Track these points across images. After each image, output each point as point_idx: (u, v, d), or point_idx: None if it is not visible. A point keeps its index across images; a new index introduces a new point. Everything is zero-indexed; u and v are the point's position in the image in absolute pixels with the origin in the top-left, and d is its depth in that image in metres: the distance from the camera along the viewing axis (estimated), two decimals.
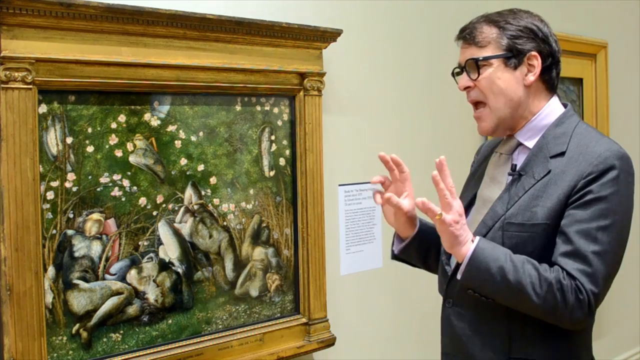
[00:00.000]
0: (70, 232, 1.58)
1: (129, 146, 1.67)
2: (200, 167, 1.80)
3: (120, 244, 1.66)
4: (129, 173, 1.67)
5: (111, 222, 1.65)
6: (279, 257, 1.98)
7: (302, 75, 1.97)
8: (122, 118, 1.66)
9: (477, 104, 1.53)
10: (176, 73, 1.72)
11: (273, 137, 1.96)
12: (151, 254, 1.72)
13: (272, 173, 1.96)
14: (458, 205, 1.39)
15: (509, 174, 1.50)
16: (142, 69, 1.66)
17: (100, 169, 1.63)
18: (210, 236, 1.84)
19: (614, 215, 1.37)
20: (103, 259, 1.64)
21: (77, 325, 1.60)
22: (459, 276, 1.44)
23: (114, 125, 1.65)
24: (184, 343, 1.77)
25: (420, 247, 1.63)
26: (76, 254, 1.59)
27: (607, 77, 3.36)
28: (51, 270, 1.55)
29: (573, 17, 3.15)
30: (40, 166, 1.53)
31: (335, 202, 2.20)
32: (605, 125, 3.34)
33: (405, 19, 2.41)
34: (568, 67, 3.03)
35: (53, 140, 1.55)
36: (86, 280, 1.61)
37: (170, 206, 1.75)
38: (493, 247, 1.40)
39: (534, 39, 1.49)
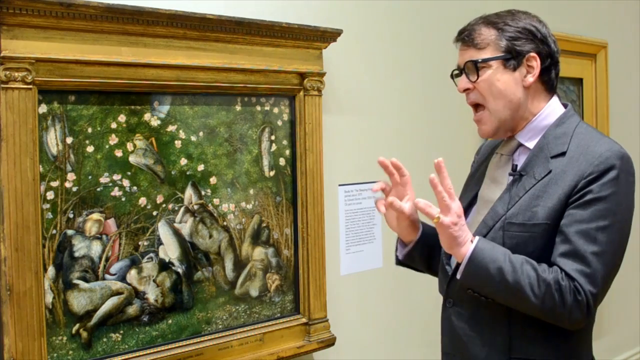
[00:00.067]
0: (70, 232, 1.58)
1: (129, 146, 1.67)
2: (200, 167, 1.80)
3: (120, 244, 1.66)
4: (129, 173, 1.67)
5: (111, 222, 1.65)
6: (279, 257, 1.98)
7: (302, 75, 1.97)
8: (122, 118, 1.66)
9: (476, 107, 1.53)
10: (176, 73, 1.72)
11: (273, 137, 1.96)
12: (151, 254, 1.72)
13: (272, 173, 1.96)
14: (457, 206, 1.39)
15: (510, 174, 1.50)
16: (142, 69, 1.66)
17: (100, 169, 1.63)
18: (210, 236, 1.84)
19: (613, 216, 1.37)
20: (103, 259, 1.64)
21: (77, 325, 1.60)
22: (458, 276, 1.44)
23: (114, 125, 1.65)
24: (184, 343, 1.77)
25: (424, 250, 1.62)
26: (76, 254, 1.59)
27: (607, 77, 3.36)
28: (51, 270, 1.55)
29: (573, 17, 3.15)
30: (40, 166, 1.53)
31: (335, 202, 2.20)
32: (605, 125, 3.34)
33: (405, 19, 2.41)
34: (568, 67, 3.03)
35: (53, 140, 1.55)
36: (86, 280, 1.61)
37: (170, 206, 1.75)
38: (492, 247, 1.40)
39: (533, 40, 1.49)
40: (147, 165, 1.71)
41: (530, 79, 1.49)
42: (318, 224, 2.02)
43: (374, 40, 2.31)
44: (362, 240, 2.28)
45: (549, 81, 1.52)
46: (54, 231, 1.56)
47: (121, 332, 1.67)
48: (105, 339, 1.64)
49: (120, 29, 1.60)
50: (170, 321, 1.75)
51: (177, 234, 1.77)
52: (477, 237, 1.42)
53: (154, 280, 1.72)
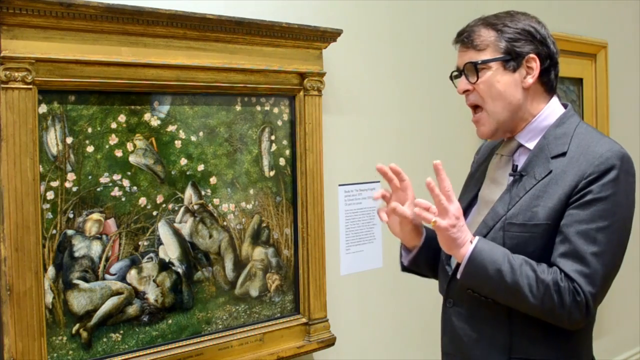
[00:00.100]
0: (70, 232, 1.58)
1: (129, 146, 1.67)
2: (200, 167, 1.80)
3: (120, 244, 1.66)
4: (129, 173, 1.67)
5: (111, 222, 1.65)
6: (279, 257, 1.98)
7: (302, 75, 1.97)
8: (122, 118, 1.66)
9: (475, 108, 1.53)
10: (176, 73, 1.72)
11: (273, 137, 1.96)
12: (151, 254, 1.72)
13: (272, 173, 1.96)
14: (455, 208, 1.39)
15: (510, 175, 1.50)
16: (142, 69, 1.66)
17: (100, 169, 1.63)
18: (210, 236, 1.84)
19: (613, 216, 1.37)
20: (103, 259, 1.64)
21: (77, 325, 1.60)
22: (458, 276, 1.44)
23: (114, 125, 1.65)
24: (184, 343, 1.77)
25: (429, 254, 1.61)
26: (76, 254, 1.59)
27: (607, 77, 3.36)
28: (51, 270, 1.55)
29: (573, 17, 3.15)
30: (40, 166, 1.53)
31: (335, 202, 2.20)
32: (605, 125, 3.34)
33: (405, 19, 2.41)
34: (568, 67, 3.03)
35: (53, 140, 1.55)
36: (86, 280, 1.61)
37: (170, 206, 1.75)
38: (491, 248, 1.40)
39: (532, 41, 1.49)
40: (147, 165, 1.71)
41: (530, 80, 1.49)
42: (318, 224, 2.02)
43: (374, 40, 2.31)
44: (362, 240, 2.28)
45: (549, 82, 1.52)
46: (54, 231, 1.56)
47: (121, 332, 1.67)
48: (105, 339, 1.64)
49: (120, 29, 1.60)
50: (170, 321, 1.75)
51: (177, 234, 1.77)
52: (476, 238, 1.42)
53: (154, 280, 1.72)
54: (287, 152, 1.99)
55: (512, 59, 1.47)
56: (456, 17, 2.54)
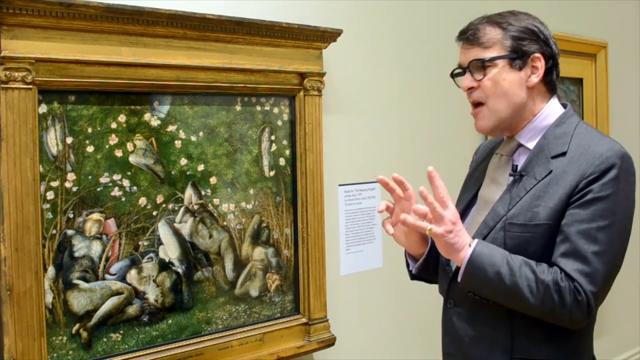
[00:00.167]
0: (70, 232, 1.58)
1: (129, 146, 1.67)
2: (200, 167, 1.80)
3: (120, 244, 1.66)
4: (129, 173, 1.67)
5: (111, 222, 1.65)
6: (279, 257, 1.98)
7: (302, 75, 1.97)
8: (122, 118, 1.66)
9: (476, 104, 1.53)
10: (176, 73, 1.72)
11: (273, 137, 1.96)
12: (151, 254, 1.72)
13: (272, 173, 1.96)
14: (450, 214, 1.39)
15: (510, 175, 1.50)
16: (142, 69, 1.66)
17: (100, 169, 1.63)
18: (210, 236, 1.84)
19: (614, 215, 1.37)
20: (103, 259, 1.64)
21: (77, 325, 1.60)
22: (458, 280, 1.44)
23: (114, 125, 1.65)
24: (184, 343, 1.77)
25: (437, 261, 1.61)
26: (76, 254, 1.59)
27: (607, 77, 3.36)
28: (51, 270, 1.55)
29: (573, 17, 3.16)
30: (40, 166, 1.53)
31: (335, 202, 2.20)
32: (605, 125, 3.34)
33: (405, 19, 2.41)
34: (568, 67, 3.03)
35: (53, 140, 1.55)
36: (86, 280, 1.61)
37: (170, 206, 1.75)
38: (490, 251, 1.40)
39: (537, 40, 1.49)
40: (147, 165, 1.71)
41: (535, 79, 1.49)
42: (318, 224, 2.02)
43: (374, 40, 2.31)
44: (362, 240, 2.28)
45: (551, 82, 1.53)
46: (54, 231, 1.56)
47: (121, 332, 1.67)
48: (105, 339, 1.64)
49: (120, 29, 1.60)
50: (170, 321, 1.75)
51: (177, 234, 1.77)
52: (475, 241, 1.42)
53: (154, 280, 1.72)
54: (287, 152, 1.99)
55: (518, 58, 1.47)
56: (456, 17, 2.54)
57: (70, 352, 1.59)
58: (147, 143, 1.71)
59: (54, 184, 1.56)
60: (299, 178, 1.99)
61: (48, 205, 1.55)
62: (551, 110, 1.52)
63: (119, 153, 1.66)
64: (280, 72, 1.92)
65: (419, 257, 1.62)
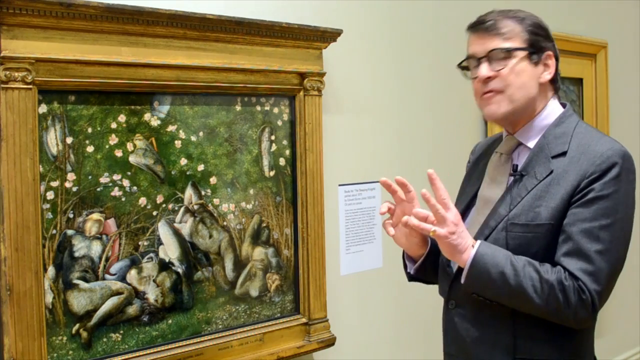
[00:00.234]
0: (70, 232, 1.58)
1: (129, 146, 1.67)
2: (200, 167, 1.80)
3: (120, 244, 1.66)
4: (129, 173, 1.67)
5: (111, 222, 1.65)
6: (279, 257, 1.98)
7: (302, 75, 1.97)
8: (122, 118, 1.66)
9: (489, 92, 1.49)
10: (176, 73, 1.72)
11: (273, 137, 1.96)
12: (151, 254, 1.72)
13: (272, 173, 1.96)
14: (452, 215, 1.39)
15: (511, 175, 1.50)
16: (142, 69, 1.66)
17: (100, 169, 1.63)
18: (210, 236, 1.84)
19: (616, 214, 1.37)
20: (103, 259, 1.64)
21: (77, 325, 1.60)
22: (462, 281, 1.44)
23: (114, 125, 1.65)
24: (184, 343, 1.77)
25: (435, 262, 1.61)
26: (76, 254, 1.59)
27: (607, 77, 3.36)
28: (51, 270, 1.55)
29: (573, 17, 3.16)
30: (40, 166, 1.53)
31: (335, 202, 2.20)
32: (605, 125, 3.34)
33: (405, 19, 2.41)
34: (568, 67, 3.03)
35: (53, 140, 1.55)
36: (86, 280, 1.61)
37: (170, 206, 1.75)
38: (493, 251, 1.39)
39: (548, 38, 1.51)
40: (147, 165, 1.71)
41: (547, 76, 1.50)
42: (318, 224, 2.02)
43: (373, 40, 2.31)
44: (362, 240, 2.28)
45: (556, 82, 1.54)
46: (54, 231, 1.56)
47: (121, 332, 1.67)
48: (105, 339, 1.64)
49: (120, 29, 1.60)
50: (170, 321, 1.75)
51: (177, 234, 1.77)
52: (478, 242, 1.41)
53: (154, 280, 1.72)
54: (287, 152, 1.99)
55: (535, 52, 1.48)
56: (456, 17, 2.54)
57: (70, 352, 1.59)
58: (147, 143, 1.71)
59: (54, 184, 1.56)
60: (299, 178, 1.99)
61: (48, 205, 1.55)
62: (551, 109, 1.53)
63: (119, 153, 1.66)
64: (280, 72, 1.92)
65: (418, 259, 1.62)
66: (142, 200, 1.70)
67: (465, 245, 1.40)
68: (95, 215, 1.62)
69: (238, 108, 1.88)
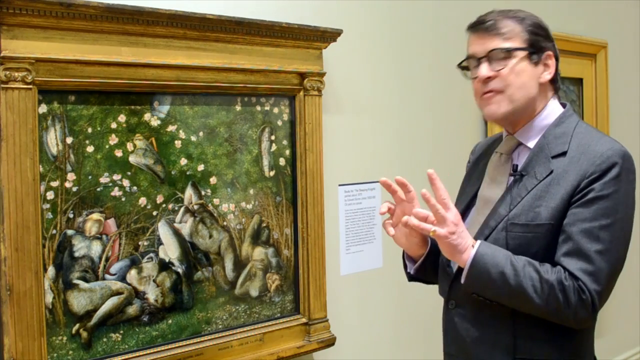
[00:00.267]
0: (70, 232, 1.58)
1: (129, 146, 1.67)
2: (200, 167, 1.80)
3: (120, 244, 1.66)
4: (129, 173, 1.67)
5: (111, 222, 1.65)
6: (279, 257, 1.98)
7: (302, 75, 1.97)
8: (122, 118, 1.66)
9: (489, 92, 1.49)
10: (176, 73, 1.72)
11: (273, 137, 1.96)
12: (151, 254, 1.72)
13: (272, 173, 1.96)
14: (452, 215, 1.39)
15: (511, 175, 1.50)
16: (142, 69, 1.66)
17: (100, 169, 1.63)
18: (210, 236, 1.84)
19: (616, 214, 1.37)
20: (103, 259, 1.64)
21: (77, 325, 1.60)
22: (462, 281, 1.44)
23: (114, 125, 1.65)
24: (184, 343, 1.77)
25: (435, 262, 1.61)
26: (76, 254, 1.59)
27: (607, 77, 3.36)
28: (51, 270, 1.55)
29: (573, 17, 3.16)
30: (40, 166, 1.53)
31: (335, 202, 2.20)
32: (605, 125, 3.34)
33: (405, 19, 2.41)
34: (568, 67, 3.03)
35: (53, 140, 1.55)
36: (86, 280, 1.61)
37: (170, 206, 1.75)
38: (493, 251, 1.39)
39: (548, 38, 1.51)
40: (147, 165, 1.71)
41: (548, 76, 1.50)
42: (318, 224, 2.02)
43: (373, 40, 2.31)
44: (362, 240, 2.28)
45: (556, 82, 1.54)
46: (54, 231, 1.56)
47: (121, 332, 1.67)
48: (105, 339, 1.64)
49: (120, 29, 1.60)
50: (170, 321, 1.75)
51: (177, 234, 1.77)
52: (478, 242, 1.41)
53: (154, 280, 1.72)
54: (287, 152, 1.99)
55: (535, 52, 1.48)
56: (456, 17, 2.54)
57: (70, 352, 1.59)
58: (147, 143, 1.71)
59: (54, 184, 1.56)
60: (299, 178, 1.99)
61: (48, 205, 1.55)
62: (551, 109, 1.53)
63: (119, 153, 1.66)
64: (280, 72, 1.92)
65: (418, 259, 1.62)
66: (142, 200, 1.70)
67: (465, 245, 1.40)
68: (95, 215, 1.62)
69: (238, 108, 1.88)
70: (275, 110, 1.97)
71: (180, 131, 1.77)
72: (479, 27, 1.51)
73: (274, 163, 1.96)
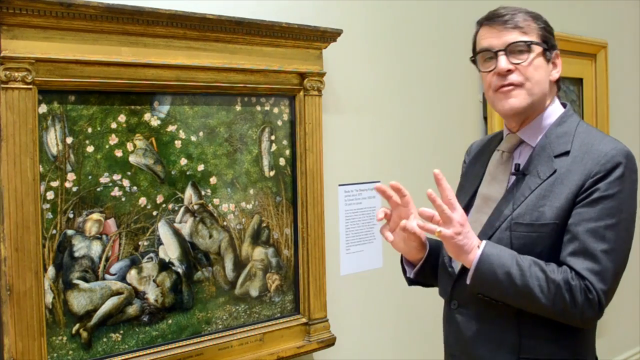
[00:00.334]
0: (70, 232, 1.58)
1: (129, 146, 1.67)
2: (200, 167, 1.80)
3: (120, 244, 1.66)
4: (129, 173, 1.67)
5: (111, 222, 1.65)
6: (279, 257, 1.98)
7: (302, 75, 1.97)
8: (122, 118, 1.66)
9: (509, 85, 1.48)
10: (176, 73, 1.72)
11: (273, 137, 1.96)
12: (151, 254, 1.72)
13: (272, 173, 1.96)
14: (458, 215, 1.38)
15: (513, 174, 1.50)
16: (142, 69, 1.66)
17: (100, 169, 1.63)
18: (210, 236, 1.84)
19: (620, 214, 1.37)
20: (103, 259, 1.64)
21: (77, 325, 1.60)
22: (468, 282, 1.43)
23: (114, 125, 1.65)
24: (184, 343, 1.77)
25: (434, 264, 1.61)
26: (76, 254, 1.59)
27: (607, 77, 3.36)
28: (51, 270, 1.55)
29: (573, 17, 3.16)
30: (40, 166, 1.53)
31: (335, 202, 2.20)
32: (605, 125, 3.34)
33: (405, 19, 2.41)
34: (568, 67, 3.02)
35: (53, 140, 1.55)
36: (86, 280, 1.61)
37: (170, 206, 1.75)
38: (499, 251, 1.39)
39: (554, 37, 1.52)
40: (147, 165, 1.71)
41: (556, 75, 1.51)
42: (318, 224, 2.02)
43: (373, 40, 2.31)
44: (362, 240, 2.28)
45: (559, 82, 1.55)
46: (54, 231, 1.56)
47: (121, 332, 1.67)
48: (105, 339, 1.64)
49: (120, 29, 1.60)
50: (170, 321, 1.75)
51: (177, 234, 1.77)
52: (483, 242, 1.41)
53: (154, 280, 1.72)
54: (287, 152, 1.99)
55: (548, 49, 1.49)
56: (456, 17, 2.55)
57: (70, 352, 1.59)
58: (147, 143, 1.71)
59: (54, 184, 1.56)
60: (299, 178, 1.99)
61: (48, 205, 1.55)
62: (554, 109, 1.53)
63: (119, 153, 1.66)
64: (280, 72, 1.92)
65: (417, 262, 1.61)
66: (142, 200, 1.70)
67: (471, 245, 1.39)
68: (95, 215, 1.62)
69: (238, 108, 1.88)
70: (275, 110, 1.97)
71: (180, 131, 1.77)
72: (497, 20, 1.49)
73: (274, 163, 1.96)
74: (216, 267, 1.84)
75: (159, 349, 1.72)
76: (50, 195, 1.55)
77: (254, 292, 1.93)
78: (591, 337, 1.50)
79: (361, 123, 2.27)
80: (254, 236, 1.92)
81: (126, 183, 1.67)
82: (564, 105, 1.56)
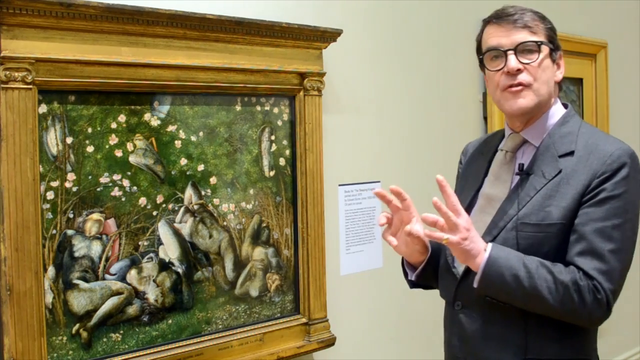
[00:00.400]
0: (70, 232, 1.58)
1: (129, 146, 1.67)
2: (200, 167, 1.80)
3: (120, 244, 1.66)
4: (129, 173, 1.67)
5: (111, 222, 1.65)
6: (279, 257, 1.98)
7: (302, 75, 1.97)
8: (122, 118, 1.66)
9: (519, 85, 1.47)
10: (176, 73, 1.72)
11: (273, 137, 1.96)
12: (151, 254, 1.72)
13: (272, 173, 1.96)
14: (464, 221, 1.37)
15: (517, 174, 1.49)
16: (142, 69, 1.66)
17: (100, 169, 1.63)
18: (210, 236, 1.84)
19: (626, 213, 1.38)
20: (103, 259, 1.64)
21: (77, 325, 1.60)
22: (475, 285, 1.42)
23: (114, 125, 1.65)
24: (184, 343, 1.77)
25: (436, 266, 1.60)
26: (76, 254, 1.59)
27: (607, 77, 3.35)
28: (51, 270, 1.55)
29: (573, 17, 3.16)
30: (40, 166, 1.53)
31: (335, 202, 2.20)
32: (605, 125, 3.34)
33: (405, 18, 2.41)
34: (568, 67, 2.99)
35: (53, 140, 1.55)
36: (86, 280, 1.61)
37: (170, 206, 1.75)
38: (506, 254, 1.39)
39: (557, 37, 1.52)
40: (147, 165, 1.71)
41: (560, 75, 1.51)
42: (318, 224, 2.02)
43: (373, 40, 2.31)
44: (362, 240, 2.28)
45: (561, 82, 1.55)
46: (54, 231, 1.56)
47: (121, 332, 1.67)
48: (105, 339, 1.64)
49: (120, 29, 1.60)
50: (170, 321, 1.75)
51: (177, 234, 1.77)
52: (490, 245, 1.40)
53: (154, 280, 1.72)
54: (287, 152, 1.99)
55: (554, 50, 1.49)
56: (456, 17, 2.55)
57: (70, 352, 1.59)
58: (147, 143, 1.71)
59: (54, 184, 1.56)
60: (299, 178, 1.99)
61: (48, 205, 1.55)
62: (556, 109, 1.53)
63: (119, 153, 1.66)
64: (280, 72, 1.92)
65: (418, 265, 1.60)
66: (142, 200, 1.70)
67: (477, 249, 1.38)
68: (95, 215, 1.62)
69: (238, 108, 1.88)
70: (275, 110, 1.97)
71: (180, 131, 1.77)
72: (505, 19, 1.48)
73: (274, 163, 1.96)
74: (216, 267, 1.84)
75: (159, 349, 1.72)
76: (50, 195, 1.55)
77: (254, 292, 1.93)
78: (593, 335, 1.50)
79: (361, 123, 2.27)
80: (254, 236, 1.92)
81: (126, 183, 1.67)
82: (565, 106, 1.56)
